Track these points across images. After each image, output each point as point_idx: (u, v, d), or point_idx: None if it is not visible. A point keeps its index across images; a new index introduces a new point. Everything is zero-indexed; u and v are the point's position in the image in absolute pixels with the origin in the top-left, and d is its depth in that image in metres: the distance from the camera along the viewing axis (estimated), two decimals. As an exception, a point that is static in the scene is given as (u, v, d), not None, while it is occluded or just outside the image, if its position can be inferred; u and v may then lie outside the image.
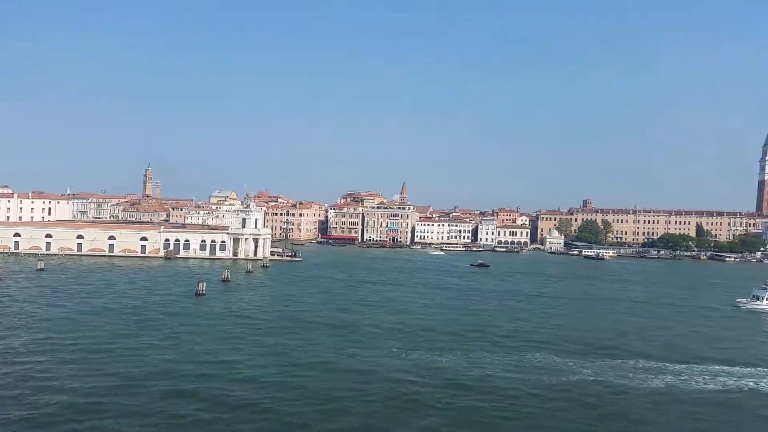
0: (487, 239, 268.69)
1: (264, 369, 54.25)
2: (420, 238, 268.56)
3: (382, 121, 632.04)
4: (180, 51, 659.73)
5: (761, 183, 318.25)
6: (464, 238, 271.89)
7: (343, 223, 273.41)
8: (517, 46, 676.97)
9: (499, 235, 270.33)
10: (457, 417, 43.92)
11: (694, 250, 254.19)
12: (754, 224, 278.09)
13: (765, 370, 58.18)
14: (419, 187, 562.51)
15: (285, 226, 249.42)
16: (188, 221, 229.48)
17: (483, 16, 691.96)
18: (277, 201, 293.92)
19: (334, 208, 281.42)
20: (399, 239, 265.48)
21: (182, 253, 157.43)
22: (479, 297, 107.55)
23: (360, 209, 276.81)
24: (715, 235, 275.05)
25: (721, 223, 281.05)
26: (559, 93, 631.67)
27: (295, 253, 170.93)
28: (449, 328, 76.40)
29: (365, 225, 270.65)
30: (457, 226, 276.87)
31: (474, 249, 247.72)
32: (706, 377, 54.93)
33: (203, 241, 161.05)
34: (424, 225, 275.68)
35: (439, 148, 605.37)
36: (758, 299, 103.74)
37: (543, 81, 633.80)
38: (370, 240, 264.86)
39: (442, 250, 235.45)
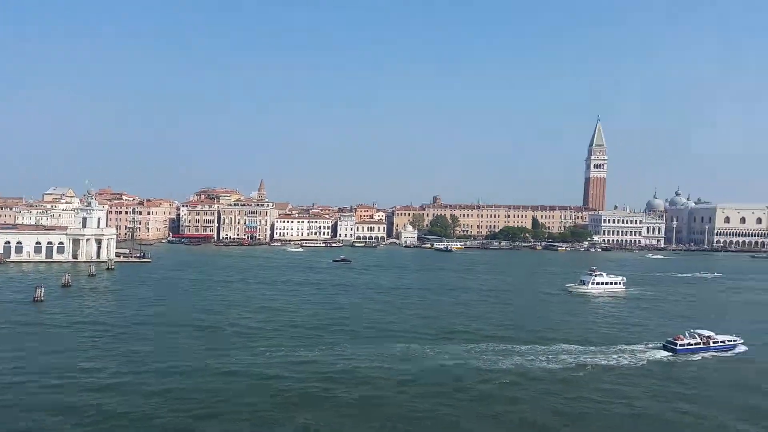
0: (346, 235, 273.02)
1: (125, 377, 51.18)
2: (280, 235, 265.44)
3: (238, 116, 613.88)
4: None
5: (587, 180, 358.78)
6: (324, 234, 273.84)
7: (197, 221, 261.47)
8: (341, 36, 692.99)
9: (357, 230, 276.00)
10: (335, 408, 45.21)
11: (530, 241, 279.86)
12: (581, 217, 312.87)
13: (594, 348, 65.95)
14: (278, 183, 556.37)
15: (132, 226, 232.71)
16: (19, 221, 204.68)
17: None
18: (122, 198, 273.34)
19: (186, 206, 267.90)
20: (258, 237, 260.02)
21: (14, 257, 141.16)
22: (342, 291, 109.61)
23: (216, 206, 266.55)
24: (549, 227, 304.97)
25: (553, 217, 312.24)
26: (406, 88, 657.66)
27: (144, 254, 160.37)
28: (314, 323, 77.35)
29: (221, 223, 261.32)
30: (317, 222, 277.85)
31: (334, 245, 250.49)
32: (549, 356, 61.29)
33: (38, 242, 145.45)
34: (284, 222, 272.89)
35: (297, 144, 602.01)
36: (585, 284, 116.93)
37: (386, 74, 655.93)
38: (227, 238, 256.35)
39: (301, 246, 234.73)
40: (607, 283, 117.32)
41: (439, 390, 49.89)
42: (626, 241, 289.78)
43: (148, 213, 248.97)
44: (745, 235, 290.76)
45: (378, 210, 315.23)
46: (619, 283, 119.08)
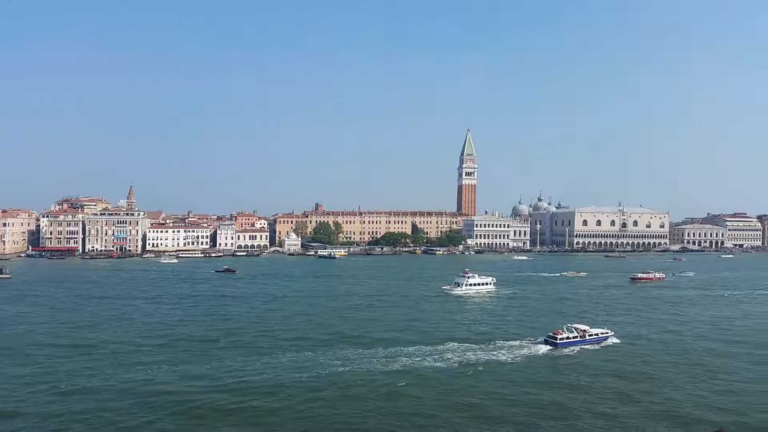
0: (226, 244, 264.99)
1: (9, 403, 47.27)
2: (153, 246, 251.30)
3: (103, 121, 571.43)
4: None
5: (460, 187, 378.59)
6: (203, 243, 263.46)
7: (60, 233, 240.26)
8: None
9: (239, 239, 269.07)
10: (238, 421, 44.87)
11: (411, 246, 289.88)
12: (456, 222, 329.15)
13: (477, 346, 70.16)
14: (148, 191, 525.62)
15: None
16: None
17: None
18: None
19: (47, 216, 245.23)
20: (128, 248, 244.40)
21: None
22: (230, 302, 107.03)
23: (80, 216, 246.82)
24: (427, 232, 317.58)
25: (431, 222, 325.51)
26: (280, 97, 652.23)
27: (2, 269, 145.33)
28: (201, 336, 75.32)
29: (87, 234, 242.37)
30: (194, 231, 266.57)
31: (214, 255, 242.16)
32: (435, 356, 64.56)
33: None
34: (157, 232, 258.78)
35: (170, 150, 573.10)
36: (459, 285, 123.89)
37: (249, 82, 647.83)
38: (93, 250, 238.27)
39: (177, 257, 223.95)
40: (479, 284, 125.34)
41: (334, 394, 51.13)
42: (496, 243, 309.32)
43: (4, 224, 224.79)
44: (601, 236, 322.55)
45: (259, 218, 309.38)
46: (490, 283, 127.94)
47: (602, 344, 72.21)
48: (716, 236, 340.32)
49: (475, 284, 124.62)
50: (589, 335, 72.93)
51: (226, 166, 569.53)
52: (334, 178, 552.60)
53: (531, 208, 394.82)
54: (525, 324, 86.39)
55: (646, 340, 76.16)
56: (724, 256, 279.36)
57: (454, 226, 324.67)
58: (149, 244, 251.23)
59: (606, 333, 75.09)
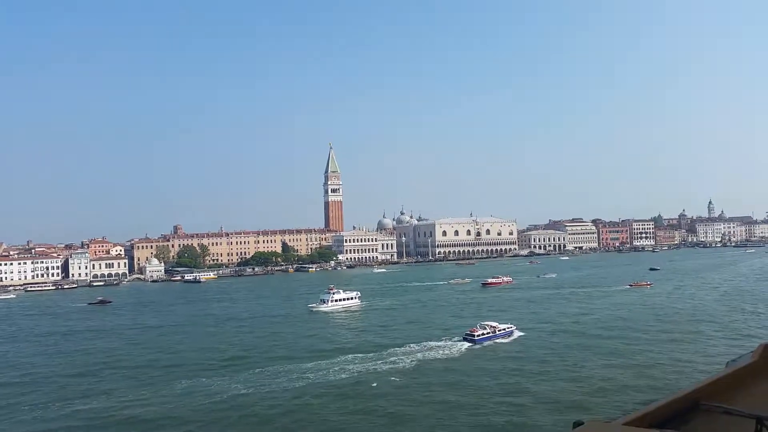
0: (80, 274, 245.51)
1: None
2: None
3: None
4: None
5: (326, 204, 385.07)
6: (53, 275, 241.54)
7: None
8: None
9: (94, 268, 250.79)
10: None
11: (282, 265, 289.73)
12: (325, 238, 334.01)
13: (373, 354, 74.88)
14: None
15: None
16: None
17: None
18: None
19: None
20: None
21: None
22: (102, 336, 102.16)
23: None
24: (298, 249, 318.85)
25: (300, 239, 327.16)
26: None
27: None
28: (77, 372, 72.42)
29: None
30: (43, 263, 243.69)
31: (67, 287, 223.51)
32: (340, 367, 68.30)
33: None
34: (0, 265, 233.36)
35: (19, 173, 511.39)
36: (324, 302, 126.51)
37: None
38: None
39: (25, 291, 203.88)
40: (344, 299, 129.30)
41: (239, 420, 52.89)
42: (366, 257, 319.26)
43: None
44: (460, 245, 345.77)
45: (114, 244, 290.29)
46: (355, 297, 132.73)
47: (510, 338, 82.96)
48: (558, 240, 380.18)
49: (340, 299, 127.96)
50: (499, 330, 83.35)
51: (65, 190, 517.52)
52: (191, 197, 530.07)
53: (395, 222, 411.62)
54: (410, 331, 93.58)
55: (544, 332, 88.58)
56: (562, 258, 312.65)
57: (324, 242, 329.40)
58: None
59: (511, 327, 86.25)
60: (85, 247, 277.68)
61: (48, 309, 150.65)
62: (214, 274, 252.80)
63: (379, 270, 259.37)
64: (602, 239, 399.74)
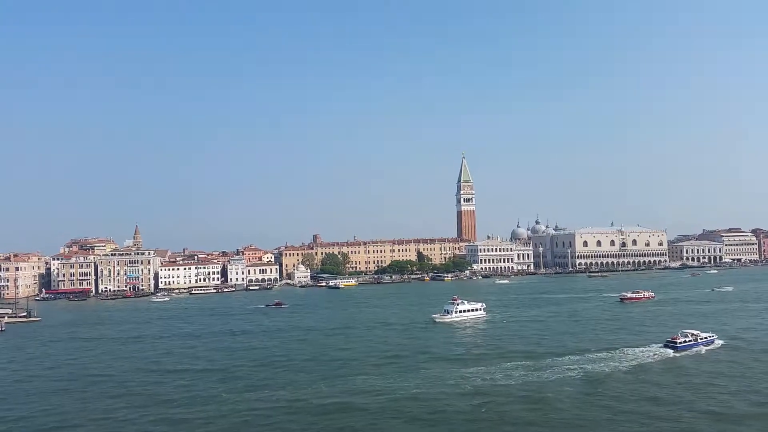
0: (238, 279, 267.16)
1: None
2: (165, 284, 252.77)
3: (101, 155, 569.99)
4: None
5: (459, 213, 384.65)
6: (214, 279, 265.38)
7: (72, 275, 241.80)
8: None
9: (249, 273, 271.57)
10: None
11: (418, 273, 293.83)
12: (458, 248, 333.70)
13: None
14: (152, 229, 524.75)
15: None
16: None
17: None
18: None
19: (58, 259, 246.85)
20: (141, 287, 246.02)
21: None
22: (296, 332, 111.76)
23: (91, 257, 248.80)
24: (432, 258, 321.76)
25: (434, 249, 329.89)
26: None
27: (30, 312, 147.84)
28: (308, 358, 79.16)
29: (99, 275, 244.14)
30: (205, 268, 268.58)
31: (226, 290, 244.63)
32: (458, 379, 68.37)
33: None
34: (169, 270, 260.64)
35: (168, 185, 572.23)
36: (448, 313, 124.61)
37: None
38: (107, 291, 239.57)
39: (190, 294, 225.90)
40: (468, 310, 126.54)
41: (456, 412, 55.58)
42: (501, 267, 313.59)
43: (17, 269, 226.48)
44: (603, 257, 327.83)
45: (266, 252, 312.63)
46: (480, 309, 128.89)
47: (705, 347, 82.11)
48: (713, 251, 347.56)
49: (464, 311, 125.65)
50: (700, 338, 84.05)
51: (220, 202, 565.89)
52: (329, 208, 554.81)
53: (529, 231, 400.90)
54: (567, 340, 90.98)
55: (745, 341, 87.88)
56: (710, 271, 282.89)
57: (457, 252, 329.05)
58: (161, 282, 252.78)
59: (712, 336, 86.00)
60: (240, 254, 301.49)
61: (230, 310, 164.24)
62: (354, 281, 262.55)
63: (501, 281, 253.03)
64: (763, 250, 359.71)
